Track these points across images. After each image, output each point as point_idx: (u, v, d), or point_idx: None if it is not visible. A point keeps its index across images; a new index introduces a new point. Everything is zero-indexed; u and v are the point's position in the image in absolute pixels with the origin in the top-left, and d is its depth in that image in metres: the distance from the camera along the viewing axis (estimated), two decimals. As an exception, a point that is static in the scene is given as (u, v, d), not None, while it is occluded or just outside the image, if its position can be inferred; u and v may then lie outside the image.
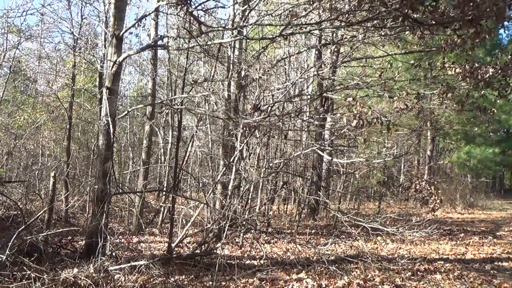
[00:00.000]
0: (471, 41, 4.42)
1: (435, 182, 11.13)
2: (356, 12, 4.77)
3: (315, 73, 8.34)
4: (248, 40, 7.88)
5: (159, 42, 6.22)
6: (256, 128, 6.44)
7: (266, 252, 5.95)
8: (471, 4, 3.85)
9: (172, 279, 4.32)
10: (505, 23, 4.37)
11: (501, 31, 18.27)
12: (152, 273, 4.23)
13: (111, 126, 4.76)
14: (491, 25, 4.36)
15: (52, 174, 6.13)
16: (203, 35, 5.08)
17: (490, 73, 5.47)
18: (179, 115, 5.99)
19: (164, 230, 7.59)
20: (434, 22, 4.22)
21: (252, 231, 6.66)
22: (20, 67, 12.49)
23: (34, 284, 3.70)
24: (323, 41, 8.03)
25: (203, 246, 5.47)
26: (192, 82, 7.30)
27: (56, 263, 4.40)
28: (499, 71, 5.51)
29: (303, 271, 4.96)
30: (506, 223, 11.24)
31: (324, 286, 4.45)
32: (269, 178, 8.72)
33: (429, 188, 8.26)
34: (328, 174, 10.91)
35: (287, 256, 5.95)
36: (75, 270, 4.12)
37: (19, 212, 5.71)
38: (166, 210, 8.02)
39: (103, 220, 4.60)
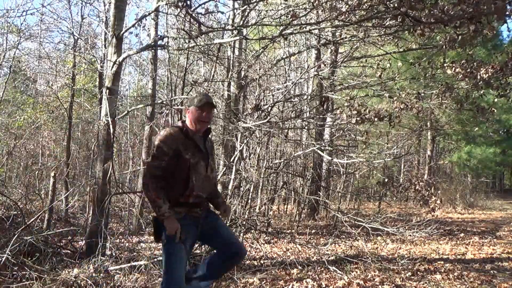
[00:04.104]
0: (471, 39, 4.42)
1: (434, 183, 11.13)
2: (355, 12, 4.77)
3: (315, 73, 8.35)
4: (248, 40, 7.88)
5: (159, 42, 6.22)
6: (256, 129, 6.44)
7: (266, 252, 5.95)
8: (471, 1, 3.85)
9: (172, 279, 4.32)
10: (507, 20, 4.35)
11: (504, 33, 18.27)
12: (152, 273, 4.23)
13: (111, 126, 4.76)
14: (491, 21, 4.36)
15: (52, 174, 6.13)
16: (203, 36, 5.09)
17: (490, 73, 5.47)
18: (179, 115, 5.99)
19: (164, 230, 7.57)
20: (433, 20, 4.22)
21: (252, 231, 6.66)
22: (20, 67, 12.51)
23: (35, 284, 3.70)
24: (322, 41, 8.03)
25: (203, 245, 5.47)
26: (192, 82, 7.31)
27: (56, 263, 4.40)
28: (499, 71, 5.51)
29: (303, 271, 4.96)
30: (506, 223, 11.24)
31: (324, 286, 4.45)
32: (269, 178, 8.73)
33: (428, 189, 8.27)
34: (328, 174, 10.91)
35: (287, 256, 5.94)
36: (75, 270, 4.12)
37: (19, 212, 5.71)
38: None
39: (103, 220, 4.60)
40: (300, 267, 5.05)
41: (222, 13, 5.39)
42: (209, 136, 2.90)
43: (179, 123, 2.80)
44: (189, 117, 2.77)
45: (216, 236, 2.84)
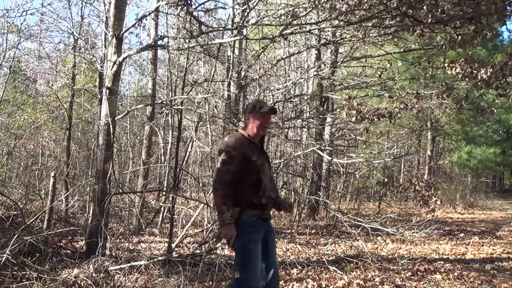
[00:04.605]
0: (471, 39, 4.43)
1: (434, 183, 11.13)
2: (355, 12, 4.77)
3: (315, 73, 8.34)
4: (248, 40, 7.88)
5: (159, 42, 6.21)
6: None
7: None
8: (471, 1, 3.86)
9: (172, 279, 4.32)
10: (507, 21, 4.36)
11: (505, 34, 18.27)
12: (152, 273, 4.23)
13: (111, 126, 4.76)
14: (491, 22, 4.36)
15: (52, 174, 6.13)
16: (203, 35, 5.09)
17: (490, 73, 5.47)
18: (179, 115, 5.99)
19: (164, 230, 7.58)
20: (433, 20, 4.22)
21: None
22: (20, 67, 12.51)
23: (35, 284, 3.70)
24: (322, 41, 8.03)
25: (203, 246, 5.47)
26: (192, 82, 7.31)
27: (56, 263, 4.40)
28: (499, 71, 5.51)
29: (303, 271, 4.96)
30: (506, 223, 11.24)
31: (324, 286, 4.45)
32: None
33: (428, 189, 8.26)
34: (328, 174, 10.90)
35: (287, 256, 5.95)
36: (76, 270, 4.12)
37: (19, 212, 5.71)
38: (166, 210, 8.01)
39: (103, 220, 4.60)
40: (300, 267, 5.05)
41: (224, 8, 5.35)
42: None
43: (240, 130, 2.93)
44: (251, 124, 2.86)
45: (266, 251, 2.84)
